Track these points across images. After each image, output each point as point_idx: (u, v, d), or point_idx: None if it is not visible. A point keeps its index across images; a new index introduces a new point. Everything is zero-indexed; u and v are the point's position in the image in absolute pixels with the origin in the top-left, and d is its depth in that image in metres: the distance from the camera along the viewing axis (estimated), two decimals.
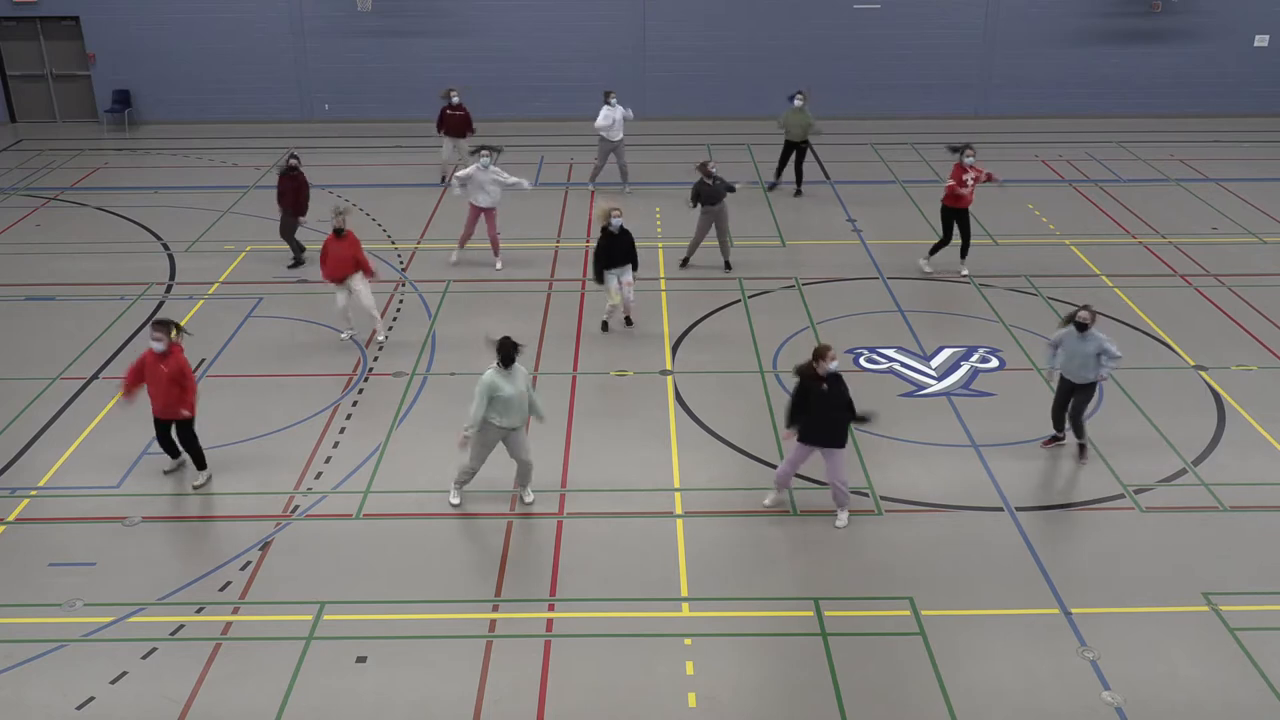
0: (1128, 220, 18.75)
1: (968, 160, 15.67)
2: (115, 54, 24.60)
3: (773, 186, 20.29)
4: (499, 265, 16.60)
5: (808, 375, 10.11)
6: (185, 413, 10.71)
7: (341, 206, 13.95)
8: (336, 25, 24.42)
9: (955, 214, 15.98)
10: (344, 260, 13.66)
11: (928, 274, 16.34)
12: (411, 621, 9.33)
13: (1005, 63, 25.04)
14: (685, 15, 24.54)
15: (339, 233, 13.60)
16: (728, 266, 16.48)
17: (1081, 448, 11.57)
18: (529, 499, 10.85)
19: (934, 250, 16.36)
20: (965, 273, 16.30)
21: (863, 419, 10.24)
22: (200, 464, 11.21)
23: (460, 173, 16.22)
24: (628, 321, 14.59)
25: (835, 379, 10.10)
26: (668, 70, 24.81)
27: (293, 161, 16.27)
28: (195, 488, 11.14)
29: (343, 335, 14.28)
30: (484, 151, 15.86)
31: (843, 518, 10.58)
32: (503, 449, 10.67)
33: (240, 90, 24.89)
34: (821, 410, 10.06)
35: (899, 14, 24.63)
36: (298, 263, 16.65)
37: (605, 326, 14.54)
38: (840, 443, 10.21)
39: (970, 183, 15.61)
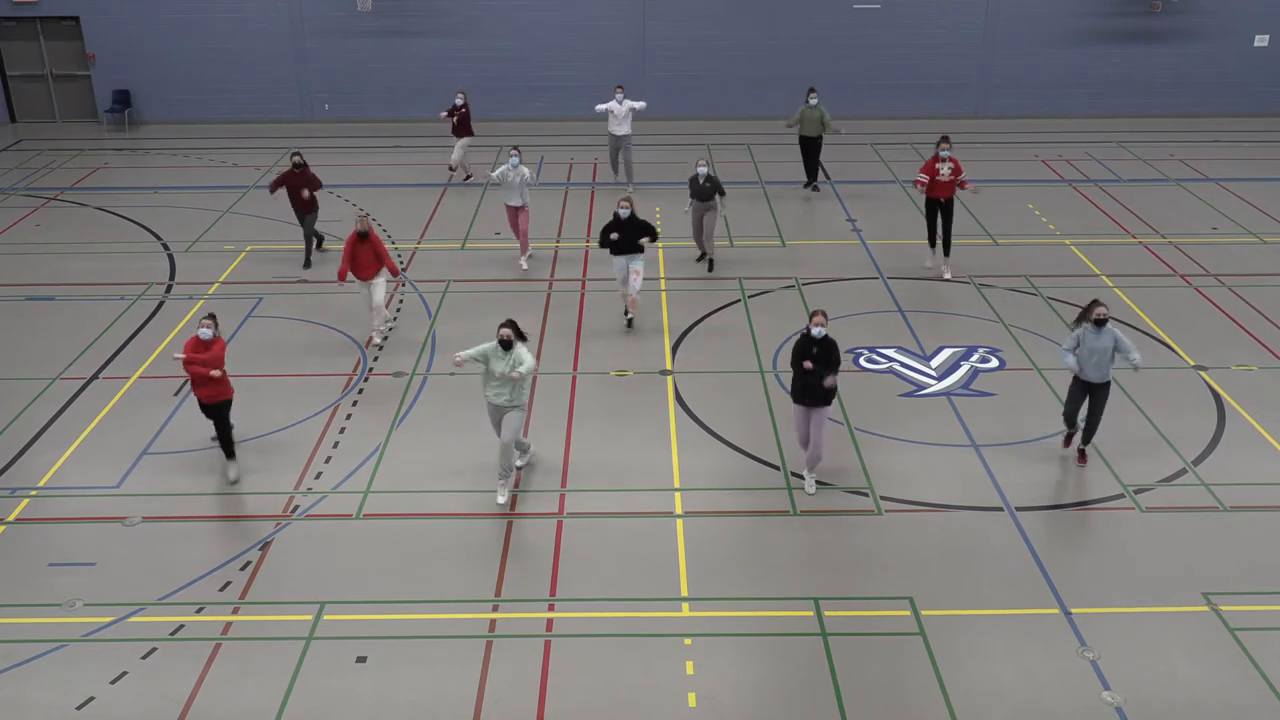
0: (1128, 220, 18.74)
1: (942, 152, 15.71)
2: (115, 54, 24.60)
3: (809, 184, 20.19)
4: (524, 264, 16.65)
5: (802, 335, 10.86)
6: (214, 373, 10.84)
7: (363, 213, 14.00)
8: (336, 25, 24.42)
9: (936, 205, 16.08)
10: (369, 261, 13.77)
11: (929, 268, 16.39)
12: (411, 621, 9.33)
13: (1005, 63, 25.02)
14: (685, 15, 24.54)
15: (363, 236, 13.69)
16: (701, 259, 16.62)
17: (1082, 452, 11.52)
18: (501, 499, 10.82)
19: (931, 243, 16.43)
20: (947, 276, 16.23)
21: (831, 378, 10.54)
22: (229, 453, 11.35)
23: (494, 172, 16.33)
24: (629, 324, 14.55)
25: (825, 342, 10.59)
26: (668, 70, 24.80)
27: (296, 159, 16.35)
28: (231, 482, 11.25)
29: (376, 338, 14.22)
30: (513, 151, 16.20)
31: (810, 483, 11.03)
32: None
33: (240, 90, 24.89)
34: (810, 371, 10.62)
35: (899, 14, 24.62)
36: (309, 261, 16.82)
37: (630, 324, 14.54)
38: (826, 401, 10.69)
39: (948, 174, 15.67)
